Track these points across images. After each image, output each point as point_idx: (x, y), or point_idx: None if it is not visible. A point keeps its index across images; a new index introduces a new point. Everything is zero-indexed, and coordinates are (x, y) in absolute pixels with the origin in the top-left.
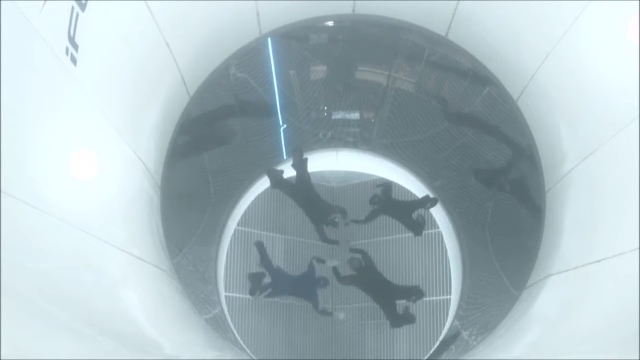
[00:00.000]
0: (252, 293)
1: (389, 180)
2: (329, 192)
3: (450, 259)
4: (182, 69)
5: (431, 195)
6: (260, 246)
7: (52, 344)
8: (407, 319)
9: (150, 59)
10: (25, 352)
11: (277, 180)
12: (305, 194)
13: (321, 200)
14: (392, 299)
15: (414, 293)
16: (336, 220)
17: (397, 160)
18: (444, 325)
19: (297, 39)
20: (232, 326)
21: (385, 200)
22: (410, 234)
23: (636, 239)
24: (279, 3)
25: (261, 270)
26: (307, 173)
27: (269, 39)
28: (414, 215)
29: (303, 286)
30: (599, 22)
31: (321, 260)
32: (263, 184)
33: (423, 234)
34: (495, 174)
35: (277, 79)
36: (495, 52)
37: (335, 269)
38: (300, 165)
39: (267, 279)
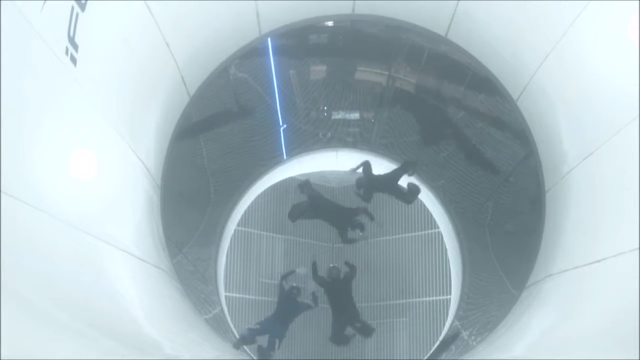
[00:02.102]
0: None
1: (366, 161)
2: (329, 192)
3: (450, 259)
4: (182, 69)
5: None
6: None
7: (52, 344)
8: (344, 341)
9: (150, 59)
10: (25, 352)
11: (296, 214)
12: (326, 209)
13: (343, 208)
14: (347, 322)
15: (366, 330)
16: (362, 221)
17: (397, 160)
18: (444, 325)
19: (297, 39)
20: (232, 326)
21: (370, 178)
22: (411, 234)
23: (636, 239)
24: (279, 3)
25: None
26: (316, 191)
27: (269, 39)
28: (406, 185)
29: (287, 310)
30: (599, 22)
31: (290, 273)
32: (263, 184)
33: (423, 234)
34: (495, 174)
35: (277, 79)
36: (495, 52)
37: (314, 265)
38: (307, 188)
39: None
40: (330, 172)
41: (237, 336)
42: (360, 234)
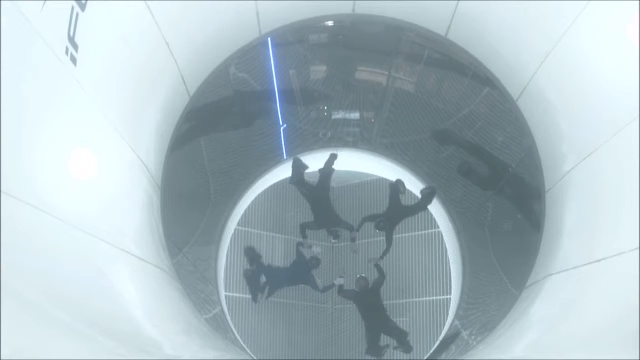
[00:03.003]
0: (254, 299)
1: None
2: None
3: (450, 259)
4: (182, 69)
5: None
6: (249, 251)
7: (52, 344)
8: (380, 352)
9: (150, 58)
10: (25, 352)
11: (299, 178)
12: (321, 199)
13: (332, 211)
14: (380, 330)
15: (400, 335)
16: (338, 233)
17: (397, 160)
18: (444, 325)
19: (297, 39)
20: (232, 326)
21: (388, 219)
22: (411, 234)
23: (636, 239)
24: (279, 3)
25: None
26: (329, 182)
27: (269, 39)
28: (421, 193)
29: (298, 273)
30: (599, 22)
31: (305, 245)
32: (263, 184)
33: (423, 234)
34: (495, 174)
35: (277, 79)
36: (495, 52)
37: (340, 286)
38: (327, 171)
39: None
40: None
41: (238, 336)
42: (334, 241)
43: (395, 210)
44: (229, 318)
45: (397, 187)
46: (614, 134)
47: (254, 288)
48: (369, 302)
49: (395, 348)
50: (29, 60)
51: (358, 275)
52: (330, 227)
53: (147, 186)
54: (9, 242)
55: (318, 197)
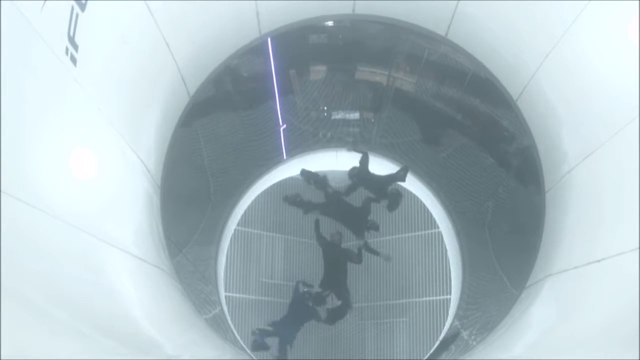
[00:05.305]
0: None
1: (365, 151)
2: None
3: (450, 259)
4: (182, 69)
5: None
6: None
7: (52, 343)
8: (320, 301)
9: (150, 58)
10: (25, 352)
11: (307, 207)
12: (337, 209)
13: (355, 209)
14: (331, 288)
15: (343, 303)
16: (377, 223)
17: (397, 160)
18: (444, 325)
19: (297, 39)
20: (232, 326)
21: (363, 172)
22: (411, 234)
23: (636, 239)
24: (279, 3)
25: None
26: (333, 188)
27: (269, 39)
28: (389, 189)
29: (299, 313)
30: (599, 22)
31: (308, 285)
32: (263, 184)
33: (423, 234)
34: (495, 174)
35: (277, 79)
36: (495, 52)
37: (317, 223)
38: (323, 184)
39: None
40: (330, 172)
41: (238, 336)
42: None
43: (374, 182)
44: (229, 318)
45: (400, 176)
46: (614, 134)
47: (260, 347)
48: (335, 260)
49: (329, 310)
50: (29, 60)
51: (333, 231)
52: (363, 224)
53: (147, 186)
54: (9, 242)
55: (333, 206)
